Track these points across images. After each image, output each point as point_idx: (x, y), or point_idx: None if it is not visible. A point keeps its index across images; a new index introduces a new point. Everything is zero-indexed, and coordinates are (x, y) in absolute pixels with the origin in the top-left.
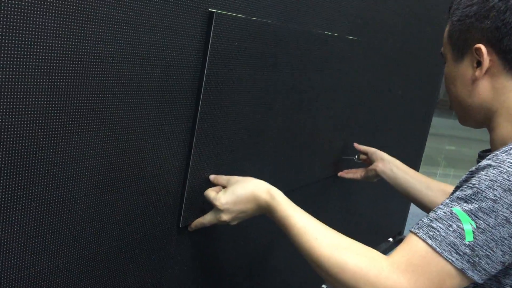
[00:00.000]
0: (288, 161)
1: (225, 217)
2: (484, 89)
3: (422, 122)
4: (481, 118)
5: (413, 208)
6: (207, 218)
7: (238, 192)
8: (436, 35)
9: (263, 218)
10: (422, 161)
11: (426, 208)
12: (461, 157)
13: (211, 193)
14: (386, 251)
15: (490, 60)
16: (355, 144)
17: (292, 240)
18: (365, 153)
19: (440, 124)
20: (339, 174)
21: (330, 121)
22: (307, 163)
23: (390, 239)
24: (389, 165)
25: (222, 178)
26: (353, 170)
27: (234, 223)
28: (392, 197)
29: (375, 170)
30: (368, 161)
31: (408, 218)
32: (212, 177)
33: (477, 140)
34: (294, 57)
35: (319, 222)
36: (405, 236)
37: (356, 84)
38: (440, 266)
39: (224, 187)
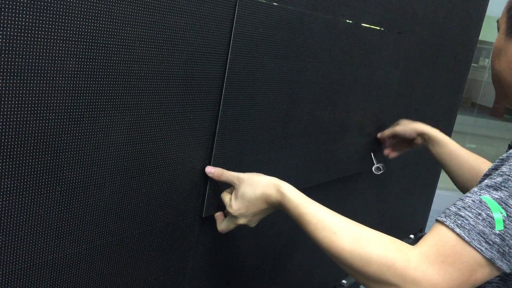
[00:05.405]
0: (315, 154)
1: (241, 221)
2: None
3: (447, 118)
4: None
5: (435, 205)
6: (224, 225)
7: (249, 197)
8: (466, 30)
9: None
10: None
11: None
12: (482, 155)
13: (225, 198)
14: None
15: None
16: (379, 135)
17: (310, 237)
18: (396, 135)
19: (461, 121)
20: (386, 153)
21: (359, 114)
22: (335, 157)
23: (411, 236)
24: (437, 145)
25: (228, 177)
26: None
27: (253, 225)
28: (415, 194)
29: (426, 147)
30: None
31: (430, 215)
32: (212, 169)
33: (498, 138)
34: (321, 47)
35: (335, 214)
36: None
37: (386, 77)
38: (470, 256)
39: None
